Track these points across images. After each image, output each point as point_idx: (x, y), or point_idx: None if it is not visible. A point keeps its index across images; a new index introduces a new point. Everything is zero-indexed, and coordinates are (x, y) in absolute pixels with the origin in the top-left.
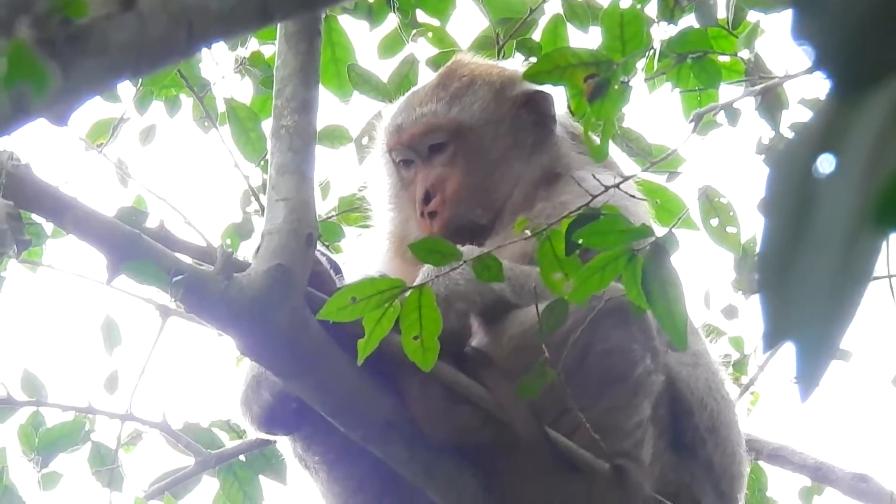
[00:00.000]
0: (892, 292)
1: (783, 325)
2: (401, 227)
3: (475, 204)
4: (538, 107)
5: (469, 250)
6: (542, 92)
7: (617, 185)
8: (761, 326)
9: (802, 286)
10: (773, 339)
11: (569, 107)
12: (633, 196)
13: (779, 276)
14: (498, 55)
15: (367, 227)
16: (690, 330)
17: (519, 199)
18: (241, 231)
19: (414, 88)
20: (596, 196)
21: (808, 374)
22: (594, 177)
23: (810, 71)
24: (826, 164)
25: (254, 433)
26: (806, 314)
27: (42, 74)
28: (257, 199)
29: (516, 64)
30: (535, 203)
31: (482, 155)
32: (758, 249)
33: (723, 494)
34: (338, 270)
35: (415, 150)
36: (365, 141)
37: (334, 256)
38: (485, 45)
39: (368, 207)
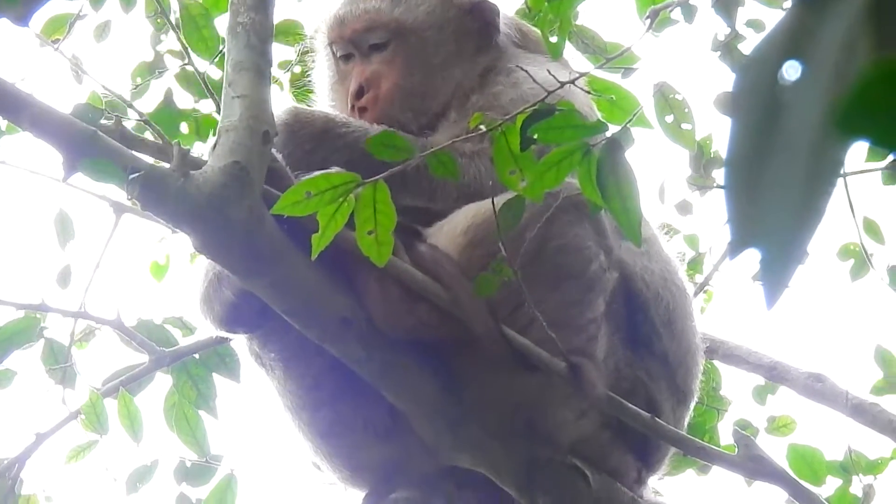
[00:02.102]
0: (847, 189)
1: (750, 230)
2: None
3: (407, 106)
4: (483, 15)
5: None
6: (488, 2)
7: (572, 82)
8: (728, 232)
9: (769, 192)
10: (739, 245)
11: (526, 3)
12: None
13: (746, 183)
14: None
15: None
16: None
17: (456, 101)
18: (152, 69)
19: None
20: (550, 93)
21: (774, 281)
22: (549, 72)
23: None
24: (793, 69)
25: (213, 331)
26: (772, 220)
27: None
28: (212, 96)
29: None
30: (470, 97)
31: (422, 58)
32: (724, 155)
33: (677, 388)
34: None
35: (355, 45)
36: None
37: None
38: None
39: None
